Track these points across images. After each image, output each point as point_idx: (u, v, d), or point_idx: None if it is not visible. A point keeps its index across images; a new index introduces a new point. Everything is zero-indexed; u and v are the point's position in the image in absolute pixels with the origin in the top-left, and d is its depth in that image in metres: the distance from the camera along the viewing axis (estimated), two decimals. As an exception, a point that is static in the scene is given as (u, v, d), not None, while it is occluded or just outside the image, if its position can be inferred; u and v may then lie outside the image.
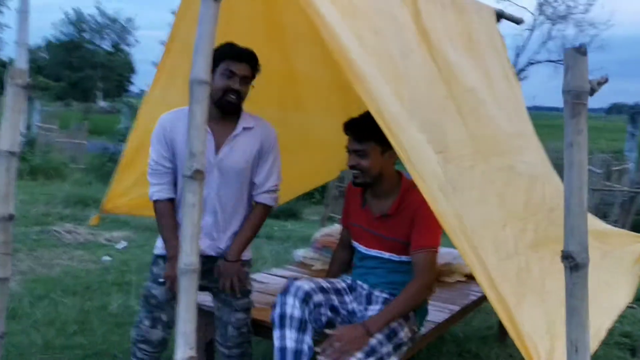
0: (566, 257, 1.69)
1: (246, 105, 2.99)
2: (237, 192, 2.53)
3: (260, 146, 2.52)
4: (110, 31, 29.30)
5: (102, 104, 34.70)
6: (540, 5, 22.07)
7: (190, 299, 2.04)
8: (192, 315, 2.03)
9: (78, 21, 27.15)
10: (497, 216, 2.53)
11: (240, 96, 2.44)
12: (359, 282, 2.61)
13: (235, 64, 2.39)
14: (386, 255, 2.54)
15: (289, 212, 8.51)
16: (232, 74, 2.39)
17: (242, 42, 2.88)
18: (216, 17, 2.10)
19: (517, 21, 4.44)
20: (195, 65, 2.09)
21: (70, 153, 12.66)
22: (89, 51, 27.82)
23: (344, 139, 3.95)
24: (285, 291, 2.40)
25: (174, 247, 2.32)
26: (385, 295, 2.52)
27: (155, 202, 2.49)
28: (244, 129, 2.49)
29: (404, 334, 2.34)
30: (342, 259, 2.81)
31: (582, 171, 1.61)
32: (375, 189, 2.53)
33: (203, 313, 2.67)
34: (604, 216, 6.63)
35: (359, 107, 3.66)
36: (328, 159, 3.84)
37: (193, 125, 2.09)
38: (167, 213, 2.47)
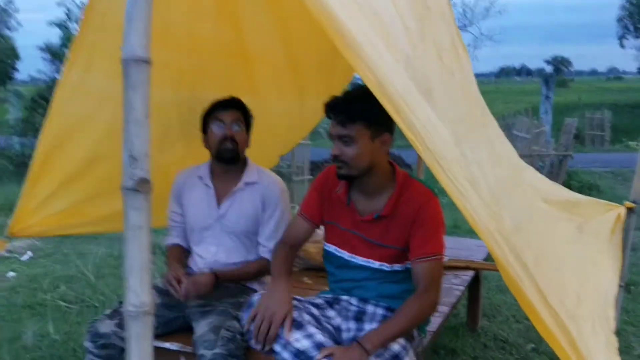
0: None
1: (194, 91, 2.50)
2: (239, 254, 2.42)
3: (262, 202, 2.41)
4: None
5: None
6: (440, -27, 22.22)
7: (144, 348, 1.58)
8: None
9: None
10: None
11: (236, 142, 2.36)
12: (344, 297, 2.15)
13: (222, 112, 2.35)
14: (376, 264, 2.07)
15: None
16: (222, 123, 2.35)
17: (187, 14, 2.39)
18: (151, -26, 1.59)
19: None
20: (127, 39, 1.58)
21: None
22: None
23: (294, 121, 3.53)
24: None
25: (176, 267, 2.32)
26: (381, 310, 2.08)
27: (167, 247, 2.56)
28: (246, 184, 2.41)
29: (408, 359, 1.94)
30: (288, 265, 2.20)
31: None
32: (364, 184, 2.04)
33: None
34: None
35: (314, 89, 3.30)
36: (276, 144, 3.38)
37: (131, 119, 1.60)
38: (173, 255, 2.48)
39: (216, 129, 2.33)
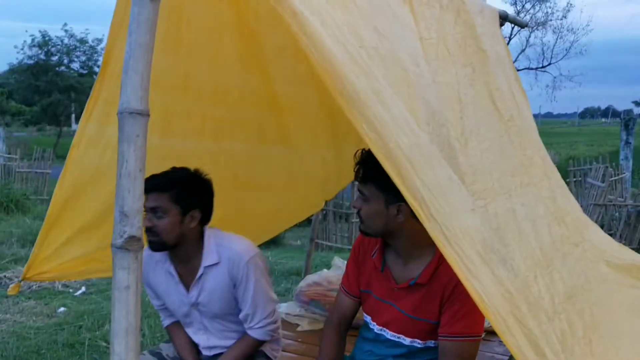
0: None
1: (217, 140, 2.43)
2: (233, 333, 2.25)
3: (231, 280, 2.13)
4: (80, 53, 28.25)
5: (75, 127, 33.79)
6: (518, 13, 21.85)
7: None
8: None
9: (45, 44, 26.11)
10: (524, 265, 1.96)
11: (156, 232, 1.99)
12: None
13: (145, 197, 1.85)
14: (407, 340, 1.86)
15: (268, 238, 7.85)
16: (145, 210, 1.94)
17: (210, 64, 2.30)
18: (153, 23, 1.51)
19: (522, 24, 3.91)
20: (124, 91, 1.51)
21: (34, 183, 11.86)
22: (57, 74, 26.87)
23: (331, 170, 3.40)
24: None
25: None
26: None
27: (165, 328, 2.38)
28: (207, 267, 2.12)
29: None
30: (336, 350, 2.02)
31: None
32: (396, 246, 1.86)
33: None
34: (608, 232, 6.13)
35: (353, 137, 3.18)
36: (313, 192, 3.27)
37: (124, 173, 1.52)
38: (175, 334, 2.32)
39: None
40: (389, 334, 1.89)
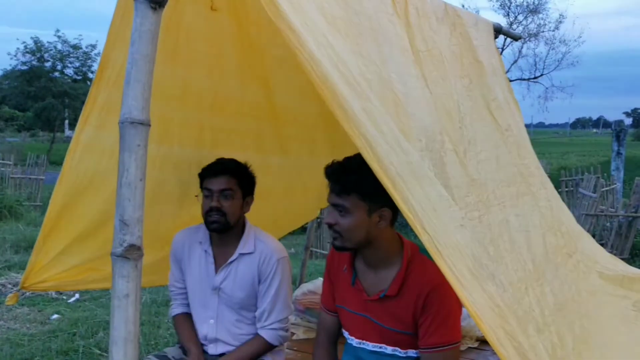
0: None
1: (216, 148, 2.46)
2: (242, 329, 2.28)
3: (258, 273, 2.23)
4: (73, 59, 28.21)
5: (68, 133, 33.67)
6: (510, 24, 22.01)
7: None
8: None
9: (37, 49, 26.07)
10: (515, 277, 1.98)
11: (223, 212, 2.17)
12: None
13: (210, 180, 2.20)
14: (389, 349, 1.86)
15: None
16: (209, 192, 2.19)
17: (209, 71, 2.33)
18: (155, 34, 1.54)
19: (516, 37, 3.97)
20: (126, 101, 1.53)
21: (27, 189, 11.81)
22: (51, 80, 26.81)
23: (324, 179, 3.44)
24: None
25: (195, 353, 2.23)
26: None
27: (173, 317, 2.43)
28: (241, 254, 2.25)
29: None
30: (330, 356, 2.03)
31: None
32: (367, 256, 1.85)
33: None
34: (600, 242, 6.18)
35: (350, 145, 3.21)
36: (310, 200, 3.28)
37: (124, 182, 1.53)
38: (183, 325, 2.35)
39: (204, 199, 2.19)
40: (370, 346, 1.89)
